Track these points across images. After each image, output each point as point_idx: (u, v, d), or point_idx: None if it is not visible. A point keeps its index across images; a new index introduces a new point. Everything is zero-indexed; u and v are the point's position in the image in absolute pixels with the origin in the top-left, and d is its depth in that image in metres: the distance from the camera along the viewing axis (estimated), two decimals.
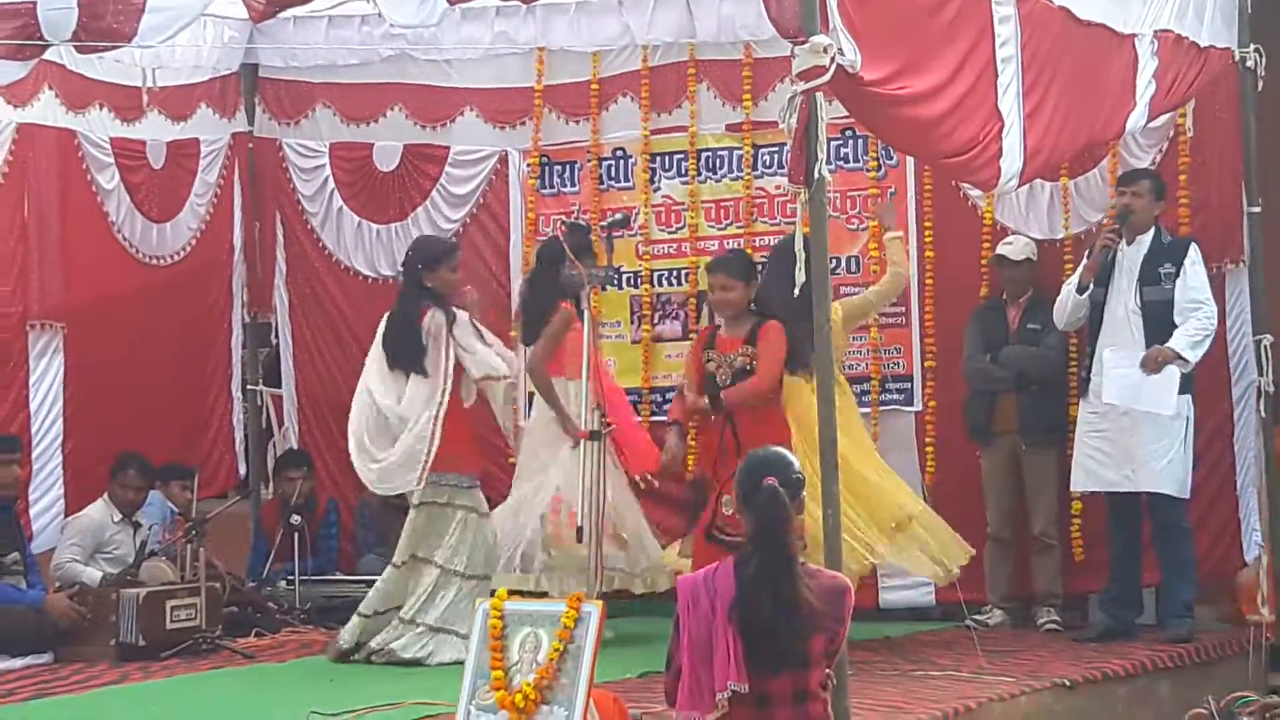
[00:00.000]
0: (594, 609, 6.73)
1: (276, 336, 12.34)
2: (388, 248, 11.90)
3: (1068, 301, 9.95)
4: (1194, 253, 9.81)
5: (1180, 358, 9.58)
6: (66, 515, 10.87)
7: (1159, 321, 9.69)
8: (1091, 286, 9.83)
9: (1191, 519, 10.11)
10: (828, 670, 5.69)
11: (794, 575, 5.54)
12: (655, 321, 11.26)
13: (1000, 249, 10.48)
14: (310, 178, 12.11)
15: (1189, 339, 9.62)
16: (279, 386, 12.32)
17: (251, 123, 12.23)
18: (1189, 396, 9.72)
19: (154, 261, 11.79)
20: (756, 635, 5.51)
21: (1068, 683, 8.71)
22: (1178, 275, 9.71)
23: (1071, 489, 10.08)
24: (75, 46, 9.10)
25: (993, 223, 10.67)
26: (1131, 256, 9.82)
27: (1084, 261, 9.96)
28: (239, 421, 12.35)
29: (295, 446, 12.09)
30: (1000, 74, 8.08)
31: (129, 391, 11.37)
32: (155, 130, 11.69)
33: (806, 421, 8.77)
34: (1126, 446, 9.69)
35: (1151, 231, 9.86)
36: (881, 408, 10.80)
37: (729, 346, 9.31)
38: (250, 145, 12.23)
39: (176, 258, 11.92)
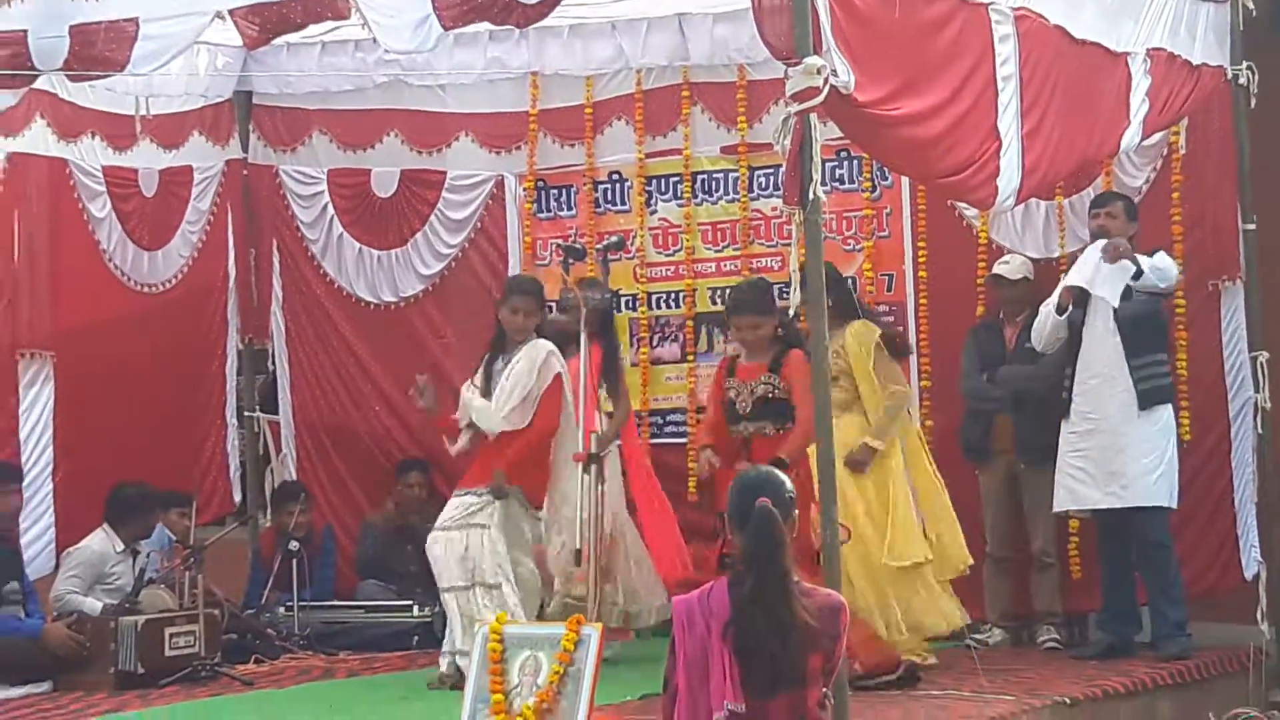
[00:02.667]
0: (594, 631, 6.73)
1: (273, 363, 12.34)
2: (389, 274, 11.94)
3: (1046, 322, 9.96)
4: (1162, 253, 9.84)
5: (1137, 262, 9.57)
6: (58, 543, 10.85)
7: (1136, 334, 9.70)
8: (1070, 308, 9.85)
9: (1189, 536, 10.13)
10: (825, 690, 5.66)
11: (789, 595, 5.50)
12: (654, 344, 11.28)
13: (997, 268, 10.48)
14: (309, 205, 12.12)
15: (1152, 260, 9.62)
16: (276, 413, 12.32)
17: (246, 150, 12.23)
18: (1170, 407, 9.75)
19: (145, 289, 11.77)
20: (752, 656, 5.48)
21: (1068, 701, 8.69)
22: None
23: (1054, 509, 10.04)
24: (67, 75, 9.09)
25: (988, 241, 10.68)
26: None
27: (1061, 283, 9.97)
28: (233, 448, 12.32)
29: (293, 473, 12.09)
30: (1000, 93, 8.10)
31: (120, 419, 11.34)
32: (147, 158, 11.68)
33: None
34: (1111, 464, 9.69)
35: None
36: None
37: (750, 374, 9.30)
38: (245, 172, 12.23)
39: (168, 285, 11.90)
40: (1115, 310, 9.70)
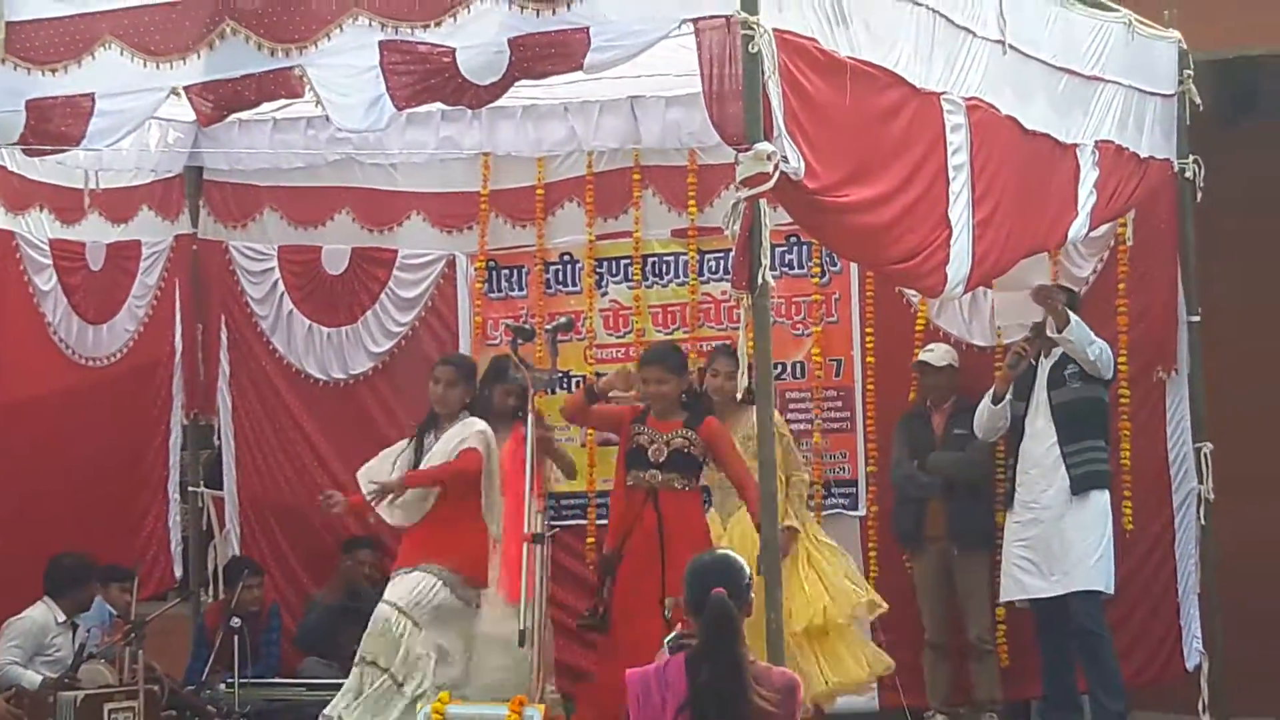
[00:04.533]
0: (536, 712, 6.72)
1: (219, 439, 12.28)
2: (339, 351, 11.91)
3: (984, 411, 10.05)
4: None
5: (1068, 316, 9.61)
6: None
7: (1069, 421, 9.77)
8: (1009, 398, 9.92)
9: (1132, 626, 10.18)
10: None
11: (744, 686, 5.48)
12: None
13: (922, 355, 10.53)
14: (259, 280, 12.08)
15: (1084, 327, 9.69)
16: (221, 489, 12.24)
17: (196, 225, 12.18)
18: (1106, 493, 9.79)
19: (89, 362, 11.70)
20: None
21: None
22: (1081, 376, 9.77)
23: (1001, 599, 10.08)
24: (22, 149, 9.08)
25: (925, 324, 10.71)
26: (1045, 368, 9.91)
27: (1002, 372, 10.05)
28: (175, 523, 12.24)
29: (237, 549, 12.00)
30: (952, 181, 8.16)
31: (59, 492, 11.22)
32: (95, 232, 11.62)
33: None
34: (1052, 552, 9.73)
35: None
36: (826, 512, 10.77)
37: (664, 426, 9.37)
38: (194, 247, 12.18)
39: (113, 359, 11.82)
40: (1049, 400, 9.78)
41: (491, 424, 9.58)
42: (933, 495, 10.36)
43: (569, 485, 11.03)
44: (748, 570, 5.74)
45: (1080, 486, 9.70)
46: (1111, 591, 9.76)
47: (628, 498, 9.37)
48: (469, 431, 9.40)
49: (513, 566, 9.05)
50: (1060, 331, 9.68)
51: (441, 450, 9.42)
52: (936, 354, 10.49)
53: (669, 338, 11.07)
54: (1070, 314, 9.69)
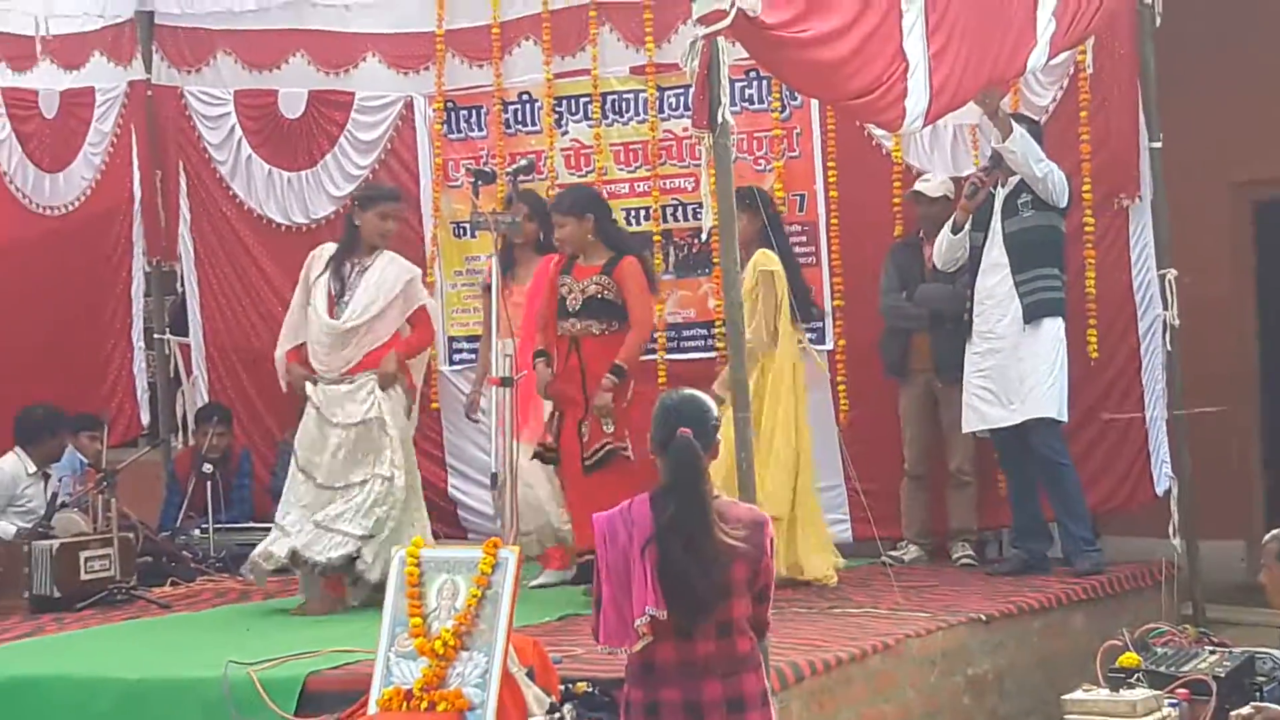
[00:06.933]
0: (511, 554, 6.75)
1: (182, 285, 12.26)
2: (299, 195, 11.90)
3: (943, 241, 10.03)
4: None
5: (1011, 125, 9.58)
6: None
7: (1022, 250, 9.75)
8: (968, 228, 9.91)
9: (1101, 452, 10.25)
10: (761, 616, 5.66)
11: (708, 525, 5.49)
12: None
13: (918, 185, 10.47)
14: (216, 125, 12.04)
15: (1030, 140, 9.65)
16: (186, 335, 12.24)
17: (149, 70, 12.10)
18: (1059, 320, 9.79)
19: (47, 211, 11.73)
20: (672, 578, 5.50)
21: (983, 617, 8.75)
22: (1034, 205, 9.77)
23: (963, 430, 10.11)
24: None
25: (900, 161, 10.69)
26: (1000, 197, 9.89)
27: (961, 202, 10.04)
28: (141, 370, 12.26)
29: (204, 396, 12.04)
30: (905, 13, 8.08)
31: (19, 341, 11.29)
32: (48, 79, 11.63)
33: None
34: (1009, 381, 9.75)
35: None
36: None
37: (583, 274, 9.46)
38: (149, 93, 12.10)
39: (71, 207, 11.86)
40: (1003, 228, 9.78)
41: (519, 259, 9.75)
42: (919, 327, 10.37)
43: None
44: (715, 410, 5.74)
45: (1032, 315, 9.72)
46: (1065, 419, 9.81)
47: (557, 347, 9.53)
48: (410, 277, 9.39)
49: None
50: (1004, 141, 9.63)
51: (382, 284, 9.30)
52: (932, 184, 10.43)
53: (631, 176, 11.04)
54: (1015, 124, 9.65)
